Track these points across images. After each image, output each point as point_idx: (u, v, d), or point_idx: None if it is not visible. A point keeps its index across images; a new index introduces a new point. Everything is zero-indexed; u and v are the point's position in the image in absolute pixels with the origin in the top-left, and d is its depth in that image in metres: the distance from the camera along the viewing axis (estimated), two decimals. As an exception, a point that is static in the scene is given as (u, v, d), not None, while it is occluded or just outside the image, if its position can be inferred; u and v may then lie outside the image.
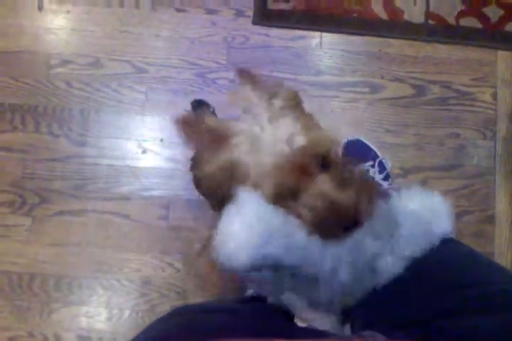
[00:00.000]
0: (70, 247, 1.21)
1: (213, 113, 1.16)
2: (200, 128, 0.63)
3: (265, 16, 1.30)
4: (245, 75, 0.67)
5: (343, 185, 0.57)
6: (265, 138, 0.59)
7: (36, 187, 1.24)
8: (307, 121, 0.64)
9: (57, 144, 1.26)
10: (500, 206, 1.23)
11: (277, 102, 0.63)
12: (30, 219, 1.22)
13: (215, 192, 0.64)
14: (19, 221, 1.22)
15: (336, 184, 0.57)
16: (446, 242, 0.63)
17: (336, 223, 0.56)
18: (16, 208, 1.22)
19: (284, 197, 0.58)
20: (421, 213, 0.61)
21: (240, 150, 0.60)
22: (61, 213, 1.22)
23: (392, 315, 0.61)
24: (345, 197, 0.56)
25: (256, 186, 0.59)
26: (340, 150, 0.64)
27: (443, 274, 0.60)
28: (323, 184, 0.57)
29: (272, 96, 0.64)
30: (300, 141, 0.58)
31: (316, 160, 0.58)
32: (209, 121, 0.64)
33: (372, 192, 0.59)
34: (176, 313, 0.66)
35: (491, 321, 0.51)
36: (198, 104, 1.21)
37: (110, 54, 1.30)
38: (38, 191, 1.23)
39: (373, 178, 1.11)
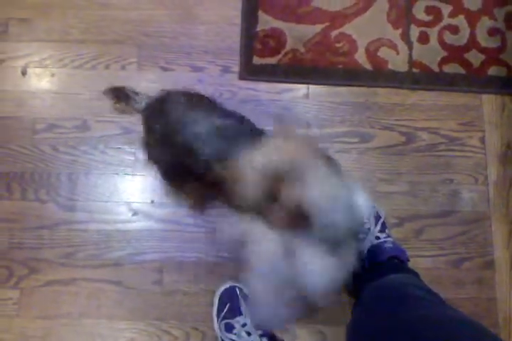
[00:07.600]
0: (60, 319, 1.15)
1: (136, 93, 1.09)
2: None
3: (251, 71, 1.31)
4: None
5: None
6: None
7: (24, 257, 1.19)
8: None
9: (45, 210, 1.22)
10: (498, 251, 1.21)
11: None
12: (18, 292, 1.17)
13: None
14: (6, 294, 1.16)
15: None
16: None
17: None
18: (3, 281, 1.17)
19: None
20: None
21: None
22: (50, 283, 1.17)
23: None
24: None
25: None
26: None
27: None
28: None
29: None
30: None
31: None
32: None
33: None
34: None
35: None
36: (114, 91, 1.14)
37: (97, 115, 1.28)
38: (25, 261, 1.18)
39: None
